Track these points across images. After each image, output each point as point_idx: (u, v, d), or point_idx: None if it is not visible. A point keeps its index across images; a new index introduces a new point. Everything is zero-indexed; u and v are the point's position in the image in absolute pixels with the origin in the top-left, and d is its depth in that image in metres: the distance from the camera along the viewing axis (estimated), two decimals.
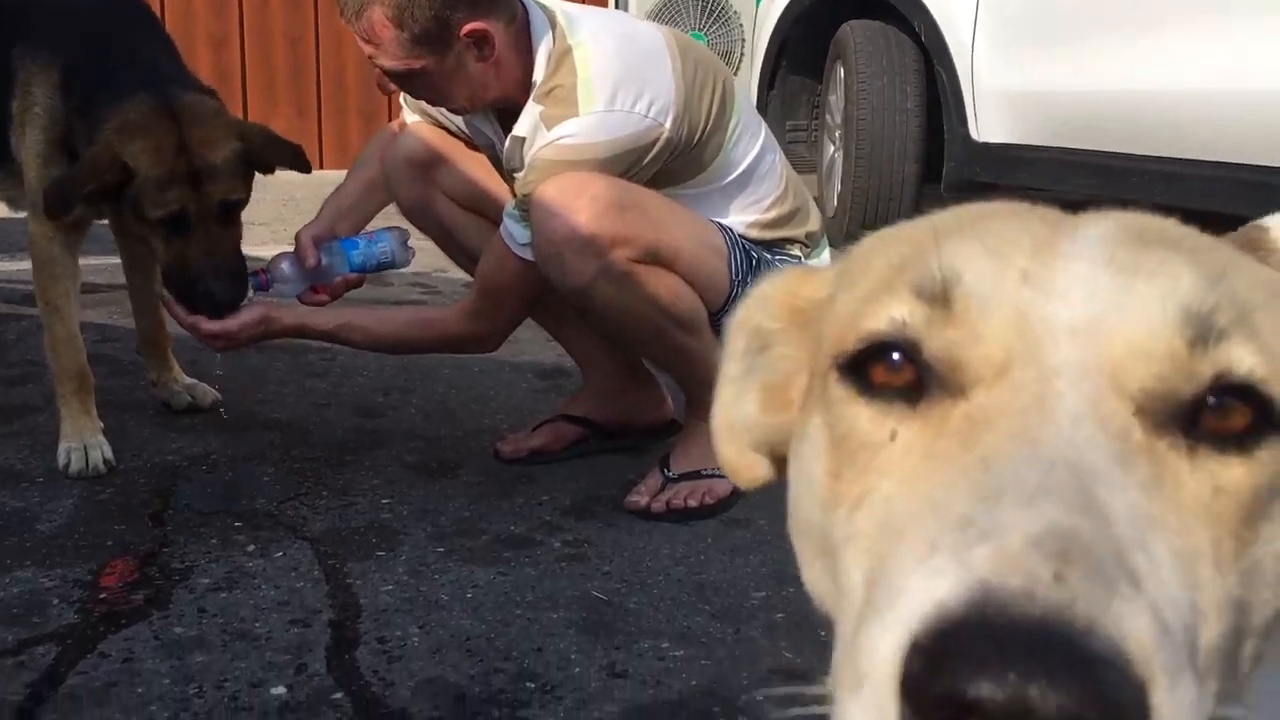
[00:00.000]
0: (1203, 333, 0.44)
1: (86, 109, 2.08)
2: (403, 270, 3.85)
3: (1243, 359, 0.44)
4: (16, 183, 2.24)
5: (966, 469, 0.43)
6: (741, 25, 6.26)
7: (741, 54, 6.27)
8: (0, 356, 2.86)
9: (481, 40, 1.91)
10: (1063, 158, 3.61)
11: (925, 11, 3.99)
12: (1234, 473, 0.44)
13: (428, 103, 2.12)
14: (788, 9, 4.65)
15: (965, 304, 0.47)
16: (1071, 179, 3.64)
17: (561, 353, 2.54)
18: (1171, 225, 0.50)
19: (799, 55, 4.78)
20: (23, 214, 2.40)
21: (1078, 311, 0.45)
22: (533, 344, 2.91)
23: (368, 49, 1.94)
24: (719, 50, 6.24)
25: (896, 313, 0.48)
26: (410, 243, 2.32)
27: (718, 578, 1.81)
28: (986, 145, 3.80)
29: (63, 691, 1.44)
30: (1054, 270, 0.46)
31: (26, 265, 3.93)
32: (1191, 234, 0.50)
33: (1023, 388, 0.44)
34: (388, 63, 1.92)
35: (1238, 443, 0.44)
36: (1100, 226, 0.49)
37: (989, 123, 3.77)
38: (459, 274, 2.43)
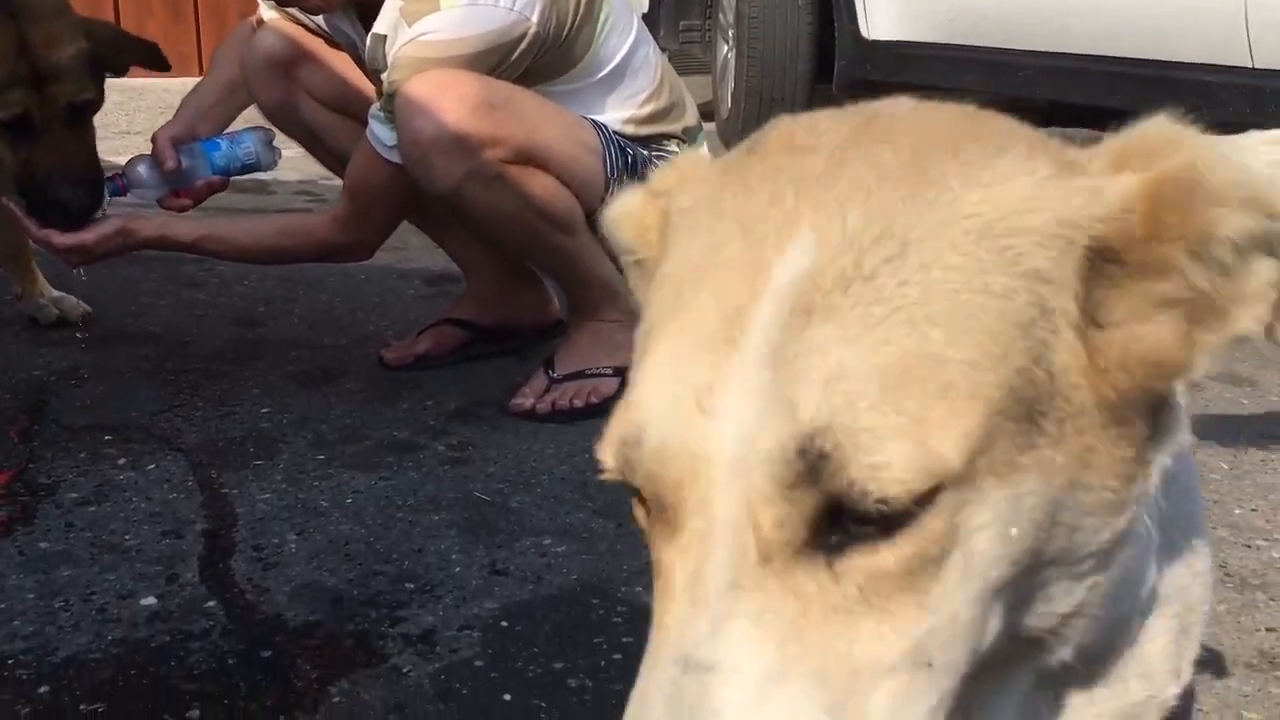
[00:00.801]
0: (811, 465, 0.45)
1: None
2: (287, 179, 3.75)
3: (851, 484, 0.45)
4: None
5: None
6: None
7: None
8: None
9: None
10: (952, 55, 3.61)
11: None
12: (883, 557, 0.47)
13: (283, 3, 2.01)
14: None
15: (655, 452, 0.49)
16: (961, 76, 3.64)
17: (449, 259, 2.49)
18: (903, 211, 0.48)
19: None
20: None
21: (728, 447, 0.47)
22: (421, 250, 2.85)
23: None
24: None
25: (610, 462, 0.51)
26: (277, 143, 2.24)
27: None
28: (876, 43, 3.79)
29: None
30: (719, 392, 0.47)
31: None
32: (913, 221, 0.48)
33: (689, 547, 0.48)
34: None
35: (882, 530, 0.46)
36: (786, 282, 0.48)
37: (879, 20, 3.75)
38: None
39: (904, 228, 0.48)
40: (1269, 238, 0.49)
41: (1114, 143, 0.53)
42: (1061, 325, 0.49)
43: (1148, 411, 0.52)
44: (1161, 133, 0.51)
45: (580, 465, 1.85)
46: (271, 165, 2.19)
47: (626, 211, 0.63)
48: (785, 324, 0.47)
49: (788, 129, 0.56)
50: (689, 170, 0.60)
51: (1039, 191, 0.49)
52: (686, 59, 4.79)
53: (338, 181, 2.46)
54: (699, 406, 0.48)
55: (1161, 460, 0.53)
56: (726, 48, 4.52)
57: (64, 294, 2.44)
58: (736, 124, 4.27)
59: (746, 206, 0.51)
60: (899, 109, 0.55)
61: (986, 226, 0.48)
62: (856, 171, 0.50)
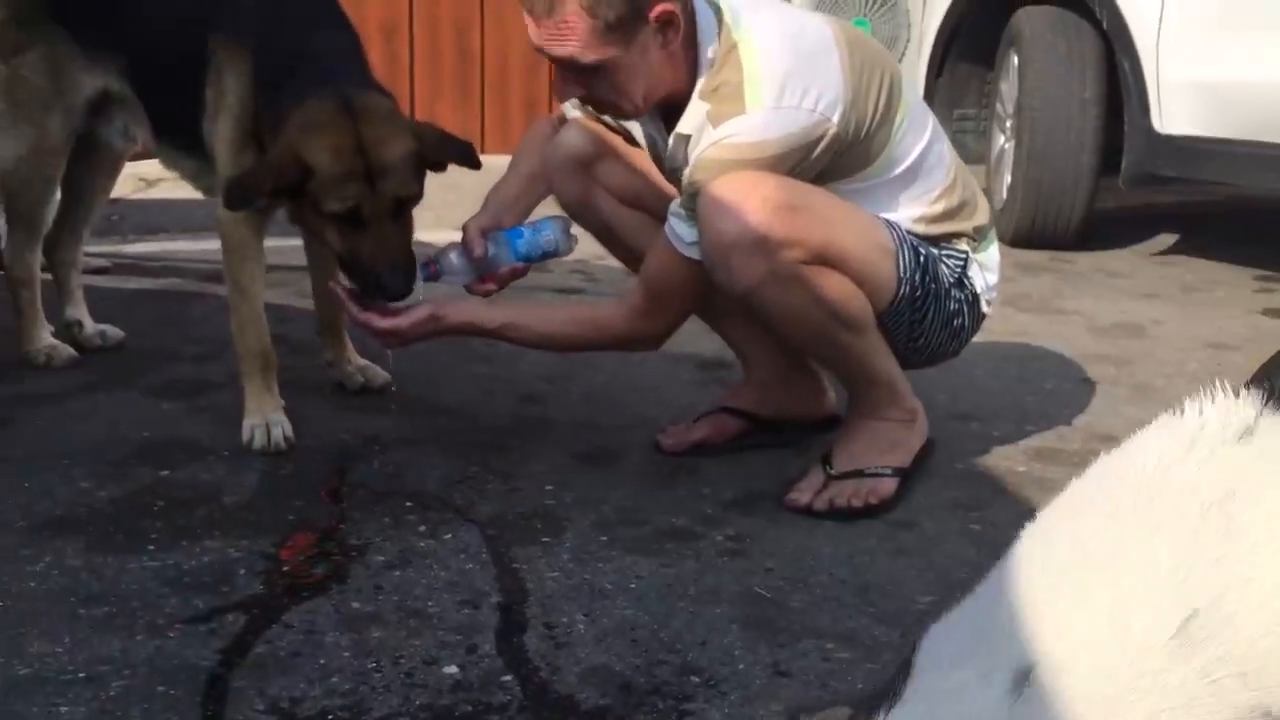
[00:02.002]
0: None
1: (273, 101, 2.16)
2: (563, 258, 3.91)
3: None
4: (210, 170, 2.34)
5: None
6: (907, 11, 6.11)
7: (907, 40, 6.13)
8: (186, 334, 3.01)
9: (667, 23, 1.89)
10: (1253, 152, 3.42)
11: None
12: None
13: (602, 107, 2.07)
14: None
15: None
16: (1261, 174, 3.45)
17: (721, 344, 2.54)
18: None
19: (970, 42, 4.66)
20: (208, 196, 2.52)
21: None
22: (692, 335, 2.89)
23: (556, 47, 1.90)
24: (883, 37, 6.12)
25: None
26: (572, 230, 2.34)
27: (882, 580, 1.78)
28: (1170, 138, 3.64)
29: (250, 659, 1.51)
30: None
31: (209, 245, 4.12)
32: None
33: None
34: (581, 56, 1.88)
35: None
36: None
37: (1173, 114, 3.60)
38: (617, 261, 2.45)
39: None
40: None
41: None
42: None
43: None
44: None
45: (859, 568, 1.83)
46: (569, 251, 2.29)
47: None
48: None
49: None
50: None
51: None
52: (959, 148, 4.70)
53: (610, 261, 2.56)
54: None
55: None
56: (1003, 138, 4.43)
57: (369, 363, 2.63)
58: (1012, 216, 4.18)
59: None
60: None
61: None
62: None
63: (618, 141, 2.26)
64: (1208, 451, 0.77)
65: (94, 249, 3.40)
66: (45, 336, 2.67)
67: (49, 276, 2.74)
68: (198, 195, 2.66)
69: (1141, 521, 0.76)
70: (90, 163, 2.69)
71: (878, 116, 1.99)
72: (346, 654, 1.53)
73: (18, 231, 2.58)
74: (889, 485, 2.06)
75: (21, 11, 2.45)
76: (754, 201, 1.84)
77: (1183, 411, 0.82)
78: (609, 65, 1.91)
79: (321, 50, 2.19)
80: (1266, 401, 0.79)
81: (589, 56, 1.89)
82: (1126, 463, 0.82)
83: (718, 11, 1.97)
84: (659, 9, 1.88)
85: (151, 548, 1.82)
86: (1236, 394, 0.81)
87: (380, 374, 2.61)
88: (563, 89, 2.03)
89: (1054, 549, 0.82)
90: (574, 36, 1.87)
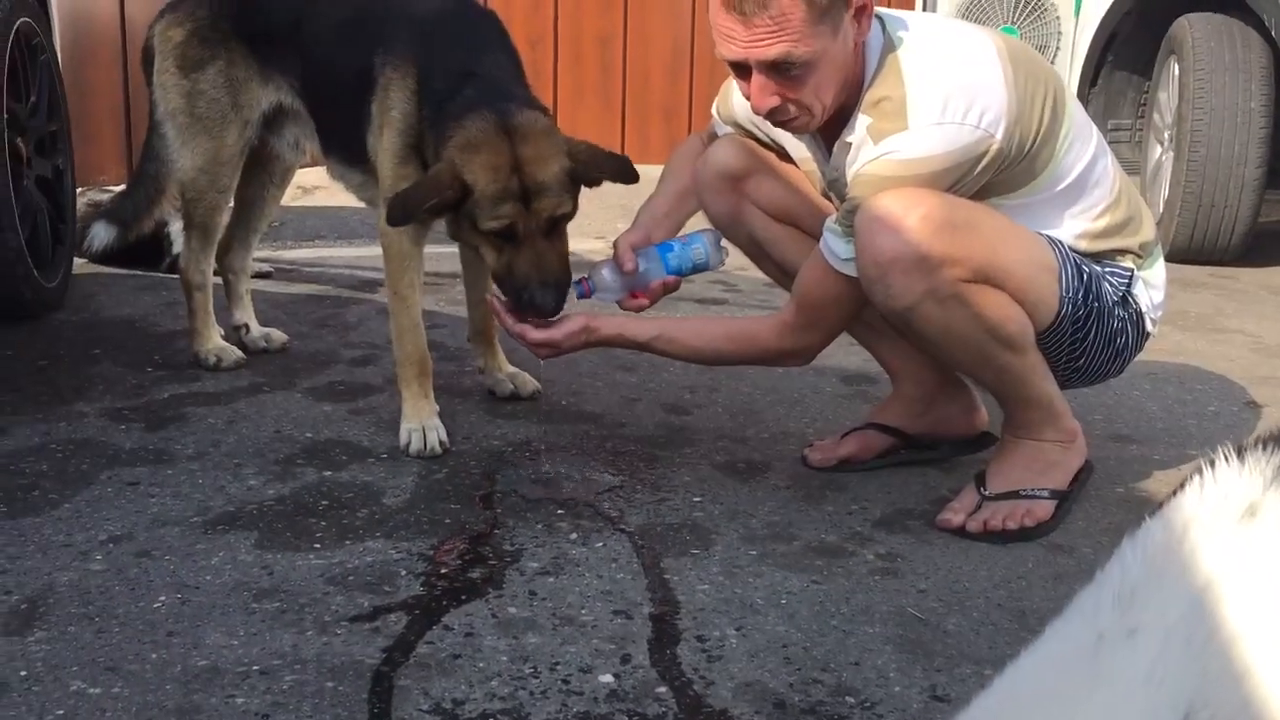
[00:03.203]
0: None
1: (436, 118, 2.23)
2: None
3: None
4: (374, 183, 2.43)
5: None
6: (1058, 19, 5.96)
7: (1057, 48, 5.97)
8: (344, 338, 3.12)
9: (862, 9, 1.87)
10: None
11: (1277, 4, 3.67)
12: None
13: (788, 117, 1.95)
14: (1116, 2, 4.39)
15: None
16: None
17: (866, 357, 2.51)
18: None
19: (1126, 51, 4.52)
20: (370, 207, 2.61)
21: None
22: (837, 348, 2.87)
23: (770, 43, 1.82)
24: (1033, 44, 5.97)
25: None
26: (722, 243, 2.35)
27: (1041, 605, 1.75)
28: None
29: (413, 659, 1.56)
30: None
31: (363, 251, 4.28)
32: None
33: None
34: (796, 48, 1.82)
35: None
36: None
37: None
38: (760, 272, 2.44)
39: None
40: None
41: None
42: None
43: None
44: None
45: (1016, 592, 1.79)
46: (719, 264, 2.30)
47: None
48: None
49: None
50: None
51: None
52: None
53: (752, 272, 2.56)
54: None
55: None
56: (1161, 149, 4.29)
57: (519, 370, 2.68)
58: (1170, 230, 4.03)
59: None
60: None
61: None
62: None
63: (769, 157, 2.26)
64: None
65: (257, 254, 3.54)
66: (215, 339, 2.80)
67: (219, 280, 2.87)
68: (352, 202, 2.76)
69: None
70: (262, 173, 2.81)
71: (1042, 131, 1.95)
72: (504, 658, 1.56)
73: (194, 238, 2.71)
74: (1046, 508, 2.02)
75: (203, 29, 2.58)
76: (914, 218, 1.82)
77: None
78: (818, 58, 1.85)
79: (483, 70, 2.25)
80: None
81: (804, 48, 1.83)
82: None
83: (882, 24, 1.96)
84: None
85: (318, 546, 1.89)
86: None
87: (529, 381, 2.66)
88: (762, 97, 1.90)
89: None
90: (791, 27, 1.81)
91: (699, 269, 2.28)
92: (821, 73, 1.88)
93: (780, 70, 1.87)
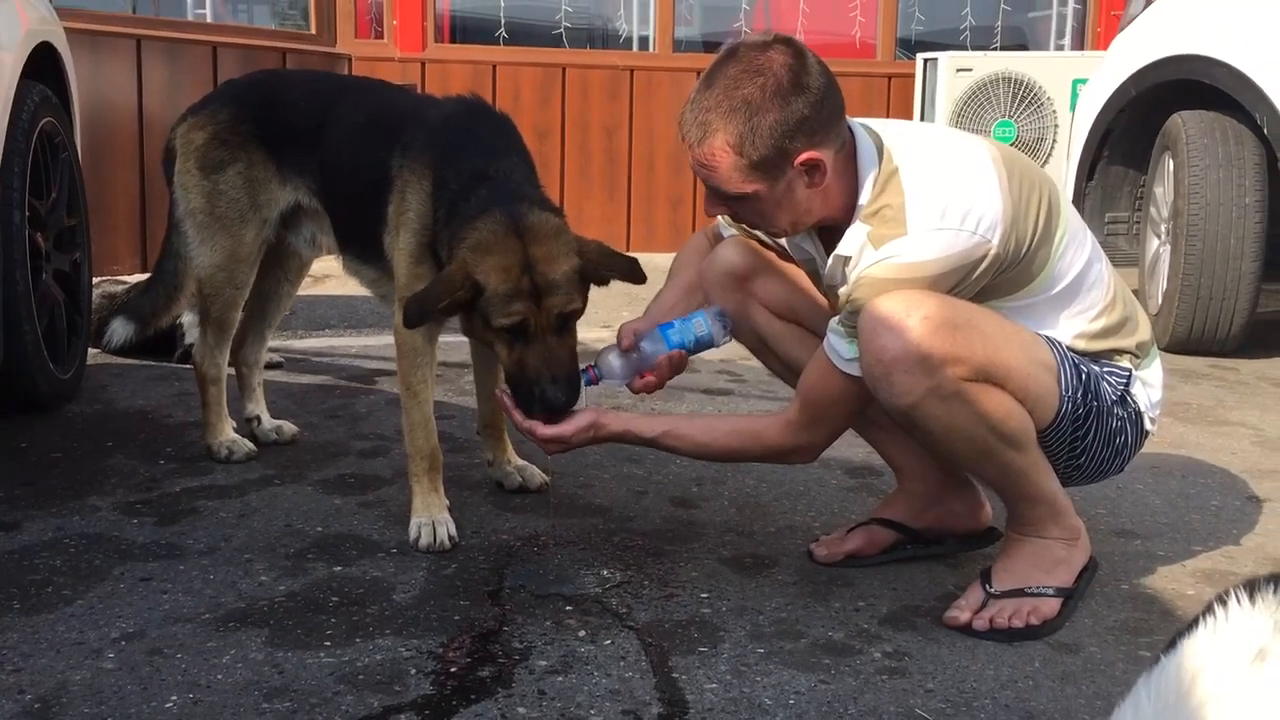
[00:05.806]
0: None
1: (449, 219, 2.29)
2: (709, 358, 3.96)
3: None
4: (388, 279, 2.48)
5: None
6: (1054, 112, 6.10)
7: (1054, 141, 6.10)
8: (353, 429, 3.15)
9: (813, 168, 1.95)
10: None
11: (1269, 103, 3.77)
12: None
13: (750, 226, 2.18)
14: (1111, 99, 4.50)
15: None
16: None
17: (870, 450, 2.54)
18: None
19: (1122, 145, 4.61)
20: (384, 304, 2.66)
21: None
22: (841, 441, 2.89)
23: (703, 173, 2.02)
24: (1030, 138, 6.11)
25: None
26: (726, 320, 2.37)
27: (1048, 707, 1.75)
28: None
29: None
30: None
31: (372, 340, 4.33)
32: None
33: None
34: (725, 186, 1.98)
35: None
36: None
37: None
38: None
39: None
40: None
41: None
42: None
43: None
44: None
45: (1023, 692, 1.80)
46: (724, 339, 2.31)
47: None
48: None
49: None
50: None
51: None
52: (1111, 251, 4.65)
53: (754, 362, 2.59)
54: None
55: None
56: (1158, 241, 4.36)
57: (527, 463, 2.71)
58: (1168, 322, 4.08)
59: None
60: None
61: None
62: None
63: (773, 257, 2.32)
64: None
65: (269, 344, 3.59)
66: (228, 431, 2.83)
67: (232, 372, 2.92)
68: (362, 291, 2.81)
69: None
70: (277, 269, 2.88)
71: (1038, 235, 2.01)
72: None
73: (209, 333, 2.76)
74: (1052, 605, 2.03)
75: (224, 132, 2.66)
76: (916, 319, 1.87)
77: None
78: (752, 197, 1.99)
79: (496, 172, 2.32)
80: None
81: (734, 189, 1.98)
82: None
83: (878, 140, 2.02)
84: (804, 156, 1.94)
85: (328, 643, 1.91)
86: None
87: (537, 474, 2.69)
88: (710, 206, 2.12)
89: None
90: (720, 171, 1.97)
91: (702, 344, 2.29)
92: (761, 207, 2.01)
93: (718, 195, 2.02)
